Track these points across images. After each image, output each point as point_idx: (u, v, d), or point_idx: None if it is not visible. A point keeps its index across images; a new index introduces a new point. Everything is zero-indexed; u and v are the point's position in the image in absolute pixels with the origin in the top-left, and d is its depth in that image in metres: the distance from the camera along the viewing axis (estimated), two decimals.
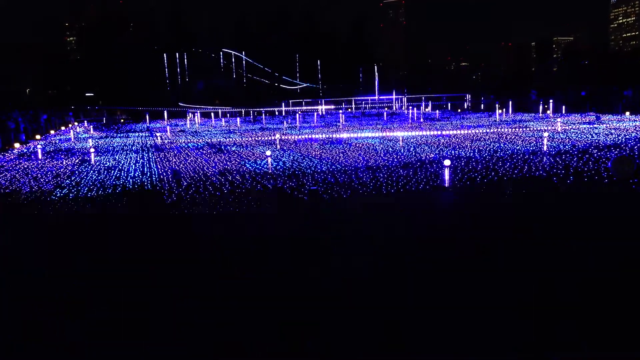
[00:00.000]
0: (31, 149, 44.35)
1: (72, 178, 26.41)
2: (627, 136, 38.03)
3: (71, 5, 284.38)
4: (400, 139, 41.67)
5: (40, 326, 8.79)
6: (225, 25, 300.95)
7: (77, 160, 34.21)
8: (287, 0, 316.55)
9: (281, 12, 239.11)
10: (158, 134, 56.80)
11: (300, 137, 48.07)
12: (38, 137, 60.78)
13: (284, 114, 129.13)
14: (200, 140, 49.29)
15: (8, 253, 13.92)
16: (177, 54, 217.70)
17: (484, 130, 48.49)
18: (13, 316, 9.45)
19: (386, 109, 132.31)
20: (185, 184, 23.20)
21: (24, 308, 9.70)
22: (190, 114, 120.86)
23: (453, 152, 32.17)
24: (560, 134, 41.82)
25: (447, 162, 25.06)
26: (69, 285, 10.87)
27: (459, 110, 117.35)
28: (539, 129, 48.27)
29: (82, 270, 12.05)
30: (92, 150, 38.95)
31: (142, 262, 12.53)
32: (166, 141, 49.93)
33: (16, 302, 10.03)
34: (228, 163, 30.49)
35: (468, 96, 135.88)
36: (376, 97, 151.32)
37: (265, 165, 28.82)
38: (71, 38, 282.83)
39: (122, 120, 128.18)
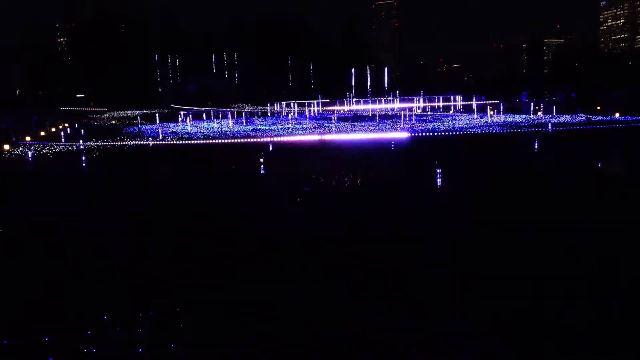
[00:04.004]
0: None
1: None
2: None
3: (63, 5, 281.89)
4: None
5: None
6: (220, 26, 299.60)
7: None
8: (282, 2, 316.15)
9: (276, 13, 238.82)
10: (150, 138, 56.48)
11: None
12: (28, 138, 60.19)
13: (276, 114, 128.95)
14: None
15: None
16: (169, 56, 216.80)
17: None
18: None
19: (378, 110, 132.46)
20: None
21: None
22: (182, 115, 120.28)
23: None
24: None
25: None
26: None
27: (451, 112, 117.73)
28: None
29: None
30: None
31: None
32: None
33: None
34: None
35: (460, 97, 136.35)
36: (369, 98, 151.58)
37: None
38: (62, 39, 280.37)
39: (112, 122, 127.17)
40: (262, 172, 28.49)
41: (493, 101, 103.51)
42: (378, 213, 19.24)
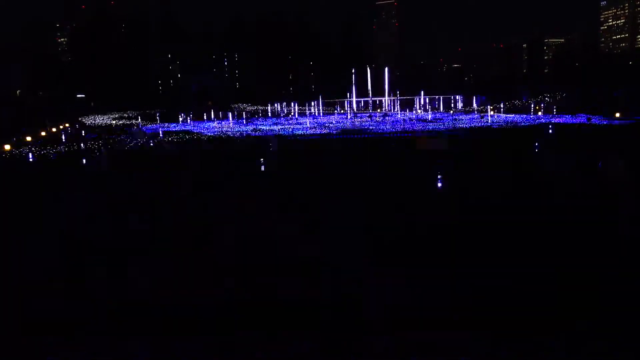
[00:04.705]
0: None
1: None
2: None
3: (63, 5, 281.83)
4: None
5: None
6: (220, 26, 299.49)
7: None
8: (282, 2, 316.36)
9: (276, 13, 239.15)
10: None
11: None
12: (29, 138, 60.26)
13: (277, 114, 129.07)
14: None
15: None
16: (169, 56, 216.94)
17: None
18: None
19: (378, 110, 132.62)
20: None
21: None
22: (182, 115, 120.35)
23: None
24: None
25: None
26: None
27: (452, 112, 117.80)
28: None
29: None
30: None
31: None
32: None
33: None
34: None
35: (460, 97, 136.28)
36: (369, 99, 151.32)
37: None
38: (62, 39, 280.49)
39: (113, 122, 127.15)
40: None
41: (493, 101, 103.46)
42: None
